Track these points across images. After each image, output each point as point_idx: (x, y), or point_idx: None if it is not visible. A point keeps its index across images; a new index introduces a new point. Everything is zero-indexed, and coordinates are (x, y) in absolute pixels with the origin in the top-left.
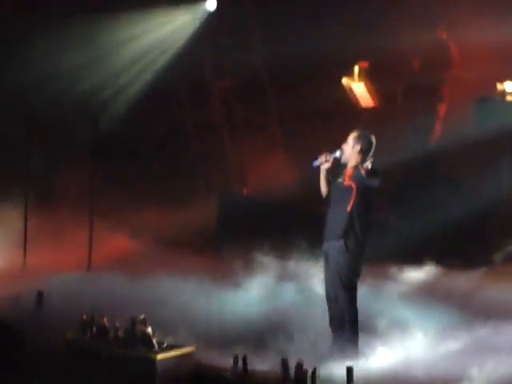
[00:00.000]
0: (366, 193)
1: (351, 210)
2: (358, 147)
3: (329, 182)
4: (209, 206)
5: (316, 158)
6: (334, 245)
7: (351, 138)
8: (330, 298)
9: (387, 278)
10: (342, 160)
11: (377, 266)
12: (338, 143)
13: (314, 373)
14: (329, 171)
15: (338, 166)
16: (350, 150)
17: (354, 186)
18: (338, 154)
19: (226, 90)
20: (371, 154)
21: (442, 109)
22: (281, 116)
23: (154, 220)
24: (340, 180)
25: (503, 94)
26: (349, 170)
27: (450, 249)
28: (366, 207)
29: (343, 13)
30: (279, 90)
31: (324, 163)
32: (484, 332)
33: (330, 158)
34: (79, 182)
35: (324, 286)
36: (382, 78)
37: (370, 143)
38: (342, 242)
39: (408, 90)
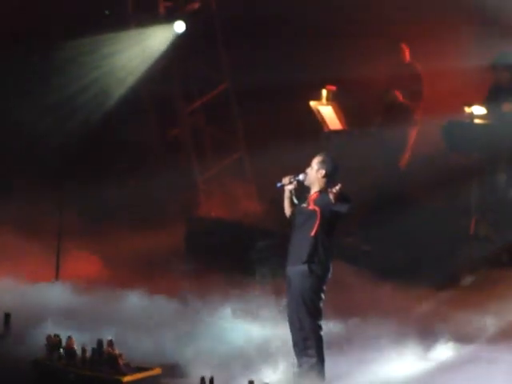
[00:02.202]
0: (330, 217)
1: (315, 235)
2: (323, 172)
3: (293, 203)
4: (177, 228)
5: (280, 180)
6: (297, 269)
7: (315, 162)
8: (294, 322)
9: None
10: (306, 183)
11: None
12: (306, 166)
13: None
14: (292, 192)
15: (302, 189)
16: (314, 174)
17: (318, 210)
18: (301, 177)
19: (195, 112)
20: (336, 178)
21: (413, 132)
22: (249, 138)
23: (121, 241)
24: (304, 205)
25: (471, 117)
26: (313, 195)
27: (418, 272)
28: (330, 231)
29: (313, 37)
30: (248, 111)
31: (287, 185)
32: (445, 354)
33: (294, 181)
34: (47, 203)
35: (287, 310)
36: (353, 102)
37: (335, 168)
38: (306, 267)
39: (380, 114)
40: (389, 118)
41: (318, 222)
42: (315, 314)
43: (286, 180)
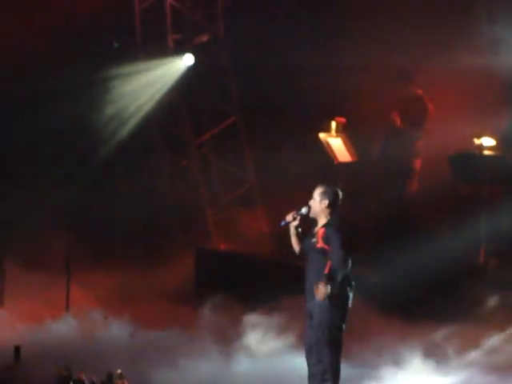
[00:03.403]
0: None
1: (329, 272)
2: (326, 202)
3: (300, 239)
4: (187, 259)
5: (283, 219)
6: (317, 304)
7: (317, 193)
8: (312, 354)
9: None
10: (311, 215)
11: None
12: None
13: None
14: (298, 228)
15: (307, 222)
16: (317, 206)
17: (328, 249)
18: (303, 210)
19: (204, 144)
20: (339, 205)
21: (417, 163)
22: (258, 170)
23: (131, 276)
24: (314, 240)
25: (480, 148)
26: (320, 231)
27: (426, 303)
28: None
29: (319, 67)
30: (256, 143)
31: (292, 221)
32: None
33: (297, 216)
34: (57, 241)
35: (305, 342)
36: (359, 133)
37: (337, 196)
38: (326, 303)
39: (385, 145)
40: (388, 142)
41: (330, 262)
42: (334, 347)
43: (289, 217)
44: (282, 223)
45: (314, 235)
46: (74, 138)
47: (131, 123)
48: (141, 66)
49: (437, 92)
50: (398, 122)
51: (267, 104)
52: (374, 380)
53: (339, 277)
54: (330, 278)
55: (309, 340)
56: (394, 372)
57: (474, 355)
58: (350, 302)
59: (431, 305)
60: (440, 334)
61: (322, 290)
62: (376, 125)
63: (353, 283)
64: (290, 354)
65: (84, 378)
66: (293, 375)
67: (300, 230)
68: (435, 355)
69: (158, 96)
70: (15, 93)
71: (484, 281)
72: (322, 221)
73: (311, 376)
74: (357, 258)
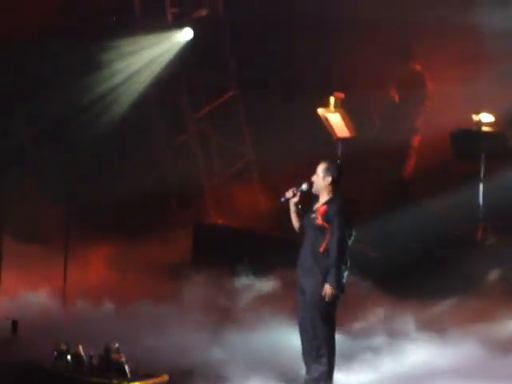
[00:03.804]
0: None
1: (324, 251)
2: (329, 179)
3: (300, 216)
4: (184, 234)
5: (283, 195)
6: (311, 281)
7: (320, 169)
8: (307, 330)
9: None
10: (314, 191)
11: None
12: (312, 173)
13: None
14: (298, 204)
15: (307, 198)
16: (320, 182)
17: (327, 227)
18: (304, 187)
19: (203, 118)
20: (341, 183)
21: (416, 139)
22: (257, 145)
23: (129, 250)
24: (313, 216)
25: (479, 124)
26: (321, 208)
27: (424, 279)
28: (342, 241)
29: (319, 41)
30: (255, 117)
31: (292, 198)
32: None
33: (297, 192)
34: (56, 215)
35: (299, 318)
36: (357, 108)
37: (340, 174)
38: (319, 280)
39: (383, 121)
40: (387, 119)
41: (327, 240)
42: (329, 323)
43: (289, 193)
44: (282, 199)
45: (314, 211)
46: (73, 112)
47: (128, 98)
48: (139, 40)
49: (437, 67)
50: (397, 98)
51: (266, 78)
52: (370, 351)
53: (338, 269)
54: (324, 257)
55: (303, 316)
56: (390, 343)
57: (473, 328)
58: (345, 279)
59: (430, 280)
60: (439, 307)
61: (329, 293)
62: (376, 101)
63: (348, 261)
64: (285, 328)
65: (81, 351)
66: (286, 350)
67: (300, 206)
68: (433, 328)
69: (156, 70)
70: (16, 66)
71: (482, 256)
72: (324, 197)
73: (306, 352)
74: (357, 234)
